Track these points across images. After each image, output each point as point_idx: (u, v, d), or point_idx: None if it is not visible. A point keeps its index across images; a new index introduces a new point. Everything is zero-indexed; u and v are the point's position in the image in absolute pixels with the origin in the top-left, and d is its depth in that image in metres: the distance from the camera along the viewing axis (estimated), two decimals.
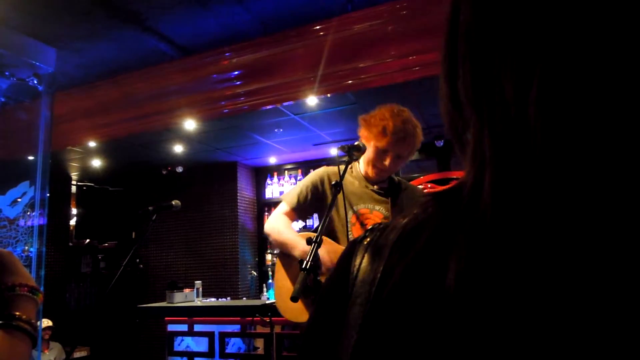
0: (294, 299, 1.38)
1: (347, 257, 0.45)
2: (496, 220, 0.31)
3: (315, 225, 2.28)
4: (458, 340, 0.31)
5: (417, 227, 0.39)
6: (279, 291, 2.13)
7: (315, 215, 2.26)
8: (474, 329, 0.30)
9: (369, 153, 2.06)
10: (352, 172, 2.19)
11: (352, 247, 0.45)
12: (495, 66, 0.32)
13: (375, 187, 2.13)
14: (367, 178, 2.14)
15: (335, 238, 2.11)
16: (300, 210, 2.16)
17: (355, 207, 2.09)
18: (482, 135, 0.33)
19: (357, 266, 0.42)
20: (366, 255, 0.42)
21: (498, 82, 0.32)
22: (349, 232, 2.05)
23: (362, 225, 2.07)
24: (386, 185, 2.15)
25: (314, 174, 2.20)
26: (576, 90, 0.28)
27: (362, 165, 2.17)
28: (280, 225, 2.12)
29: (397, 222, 0.42)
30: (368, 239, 0.44)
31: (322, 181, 2.14)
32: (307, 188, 2.15)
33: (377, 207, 2.09)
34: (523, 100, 0.30)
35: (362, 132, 2.09)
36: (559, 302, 0.28)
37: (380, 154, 2.03)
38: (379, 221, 1.98)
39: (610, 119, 0.28)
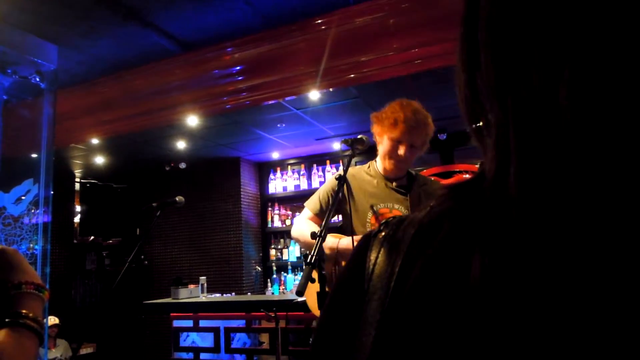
0: (298, 293, 1.38)
1: (361, 252, 0.43)
2: (523, 212, 0.30)
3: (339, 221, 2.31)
4: (483, 333, 0.30)
5: (435, 221, 0.38)
6: (309, 291, 2.16)
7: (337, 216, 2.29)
8: (500, 323, 0.29)
9: (384, 147, 2.08)
10: (370, 171, 2.20)
11: (367, 241, 0.44)
12: (520, 54, 0.31)
13: (394, 184, 2.13)
14: (386, 176, 2.14)
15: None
16: (323, 215, 2.20)
17: (375, 207, 2.10)
18: (506, 124, 0.32)
19: (373, 261, 0.41)
20: (382, 250, 0.41)
21: (524, 70, 0.31)
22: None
23: None
24: (405, 183, 2.14)
25: (333, 178, 2.25)
26: (612, 77, 0.27)
27: (379, 163, 2.18)
28: (306, 230, 2.17)
29: (414, 216, 0.41)
30: (383, 233, 0.43)
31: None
32: (327, 192, 2.22)
33: (396, 206, 2.09)
34: (553, 87, 0.29)
35: (375, 129, 2.12)
36: (589, 294, 0.27)
37: (394, 145, 2.05)
38: None
39: None
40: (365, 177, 2.17)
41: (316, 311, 2.17)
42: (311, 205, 2.26)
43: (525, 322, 0.29)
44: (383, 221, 0.45)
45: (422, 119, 2.03)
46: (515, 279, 0.30)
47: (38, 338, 0.81)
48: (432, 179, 2.29)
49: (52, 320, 4.73)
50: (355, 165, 2.27)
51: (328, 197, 2.21)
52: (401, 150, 2.03)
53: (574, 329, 0.27)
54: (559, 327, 0.27)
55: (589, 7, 0.28)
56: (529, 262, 0.29)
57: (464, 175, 4.24)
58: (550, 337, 0.28)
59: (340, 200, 2.10)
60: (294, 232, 2.27)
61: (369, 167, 2.21)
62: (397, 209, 2.08)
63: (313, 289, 2.11)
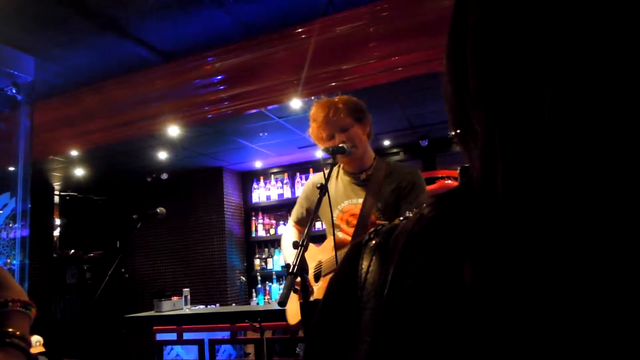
0: (281, 303, 1.36)
1: (352, 260, 0.43)
2: (510, 213, 0.31)
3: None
4: (477, 336, 0.30)
5: (426, 228, 0.38)
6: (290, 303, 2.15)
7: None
8: (494, 324, 0.30)
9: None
10: (336, 172, 2.20)
11: (357, 250, 0.44)
12: (506, 67, 0.32)
13: (363, 176, 2.11)
14: (349, 172, 2.15)
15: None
16: (302, 223, 2.33)
17: (340, 206, 2.11)
18: (492, 135, 0.33)
19: (365, 269, 0.41)
20: (374, 258, 0.41)
21: (510, 83, 0.31)
22: (336, 233, 2.05)
23: (347, 224, 2.07)
24: (371, 172, 2.11)
25: (305, 185, 2.34)
26: (593, 86, 0.28)
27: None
28: (285, 239, 2.33)
29: (405, 224, 0.41)
30: (374, 242, 0.43)
31: (312, 191, 2.23)
32: (302, 200, 2.31)
33: (360, 200, 2.06)
34: (537, 102, 0.30)
35: (313, 138, 2.16)
36: (580, 292, 0.28)
37: (329, 140, 2.06)
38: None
39: (627, 115, 0.27)
40: (332, 179, 2.18)
41: (293, 319, 2.14)
42: (292, 213, 2.37)
43: (518, 323, 0.29)
44: (372, 229, 0.45)
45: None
46: (507, 278, 0.30)
47: (26, 357, 0.79)
48: (406, 168, 2.17)
49: (37, 346, 4.46)
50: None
51: (303, 204, 2.31)
52: (336, 140, 2.03)
53: (566, 325, 0.28)
54: (552, 326, 0.28)
55: (570, 26, 0.29)
56: (518, 261, 0.30)
57: (446, 181, 4.27)
58: (545, 335, 0.28)
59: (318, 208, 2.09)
60: (282, 243, 2.37)
61: (338, 169, 2.22)
62: (361, 202, 2.05)
63: (291, 303, 2.10)
